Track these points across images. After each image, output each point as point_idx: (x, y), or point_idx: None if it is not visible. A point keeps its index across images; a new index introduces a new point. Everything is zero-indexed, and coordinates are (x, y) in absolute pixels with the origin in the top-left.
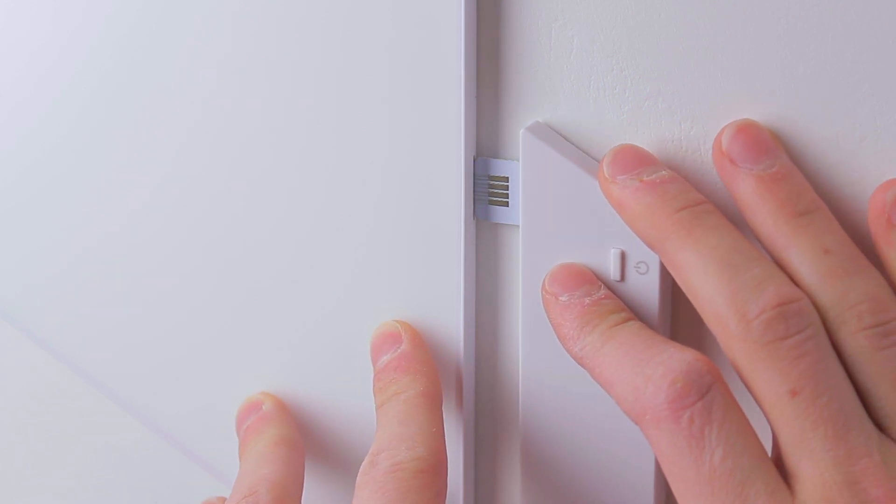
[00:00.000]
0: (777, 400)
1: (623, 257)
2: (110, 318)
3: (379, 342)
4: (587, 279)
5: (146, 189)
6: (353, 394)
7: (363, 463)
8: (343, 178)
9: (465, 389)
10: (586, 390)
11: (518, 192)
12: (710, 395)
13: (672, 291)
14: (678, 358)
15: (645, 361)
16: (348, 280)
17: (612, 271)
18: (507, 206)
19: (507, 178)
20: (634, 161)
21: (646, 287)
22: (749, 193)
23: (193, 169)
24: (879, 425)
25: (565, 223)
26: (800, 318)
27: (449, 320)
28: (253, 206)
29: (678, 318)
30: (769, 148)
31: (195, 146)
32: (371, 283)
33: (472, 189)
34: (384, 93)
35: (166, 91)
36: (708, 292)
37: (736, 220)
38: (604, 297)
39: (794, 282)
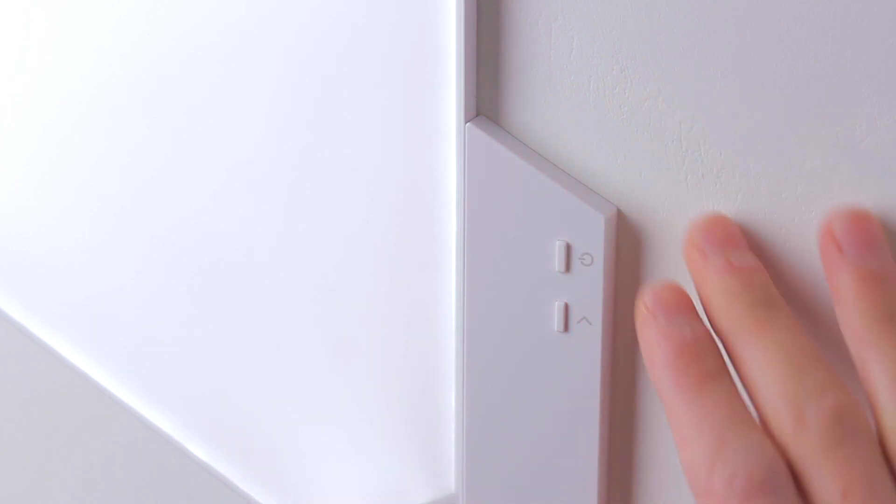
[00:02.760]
0: (829, 501)
1: (568, 249)
2: (111, 318)
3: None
4: (688, 307)
5: (145, 189)
6: (352, 391)
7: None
8: (342, 179)
9: (465, 384)
10: (531, 388)
11: (463, 183)
12: (781, 495)
13: (615, 282)
14: (759, 452)
15: (727, 442)
16: (345, 277)
17: (557, 263)
18: None
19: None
20: (725, 237)
21: (591, 278)
22: (847, 287)
23: (192, 168)
24: None
25: (510, 215)
26: (855, 426)
27: (446, 316)
28: (251, 204)
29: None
30: (878, 244)
31: (194, 144)
32: (369, 281)
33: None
34: (383, 93)
35: (166, 91)
36: (770, 391)
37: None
38: (702, 333)
39: (867, 381)
